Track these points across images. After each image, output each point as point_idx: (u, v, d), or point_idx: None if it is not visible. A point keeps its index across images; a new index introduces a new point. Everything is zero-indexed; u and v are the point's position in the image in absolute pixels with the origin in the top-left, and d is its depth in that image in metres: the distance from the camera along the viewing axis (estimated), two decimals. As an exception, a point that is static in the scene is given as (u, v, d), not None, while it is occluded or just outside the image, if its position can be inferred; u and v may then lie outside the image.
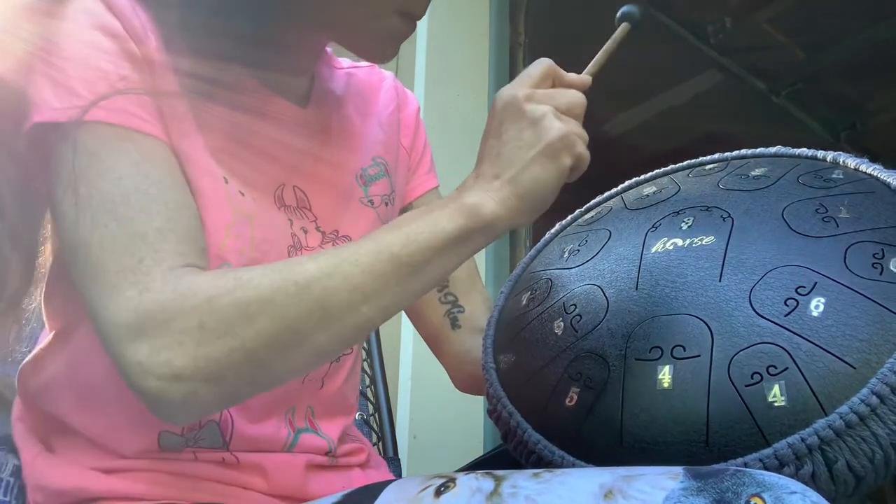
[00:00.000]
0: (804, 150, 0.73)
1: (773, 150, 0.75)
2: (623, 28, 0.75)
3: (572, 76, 0.69)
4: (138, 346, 0.56)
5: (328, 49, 0.85)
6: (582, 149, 0.64)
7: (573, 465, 0.60)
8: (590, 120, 0.67)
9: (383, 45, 0.73)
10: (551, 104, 0.64)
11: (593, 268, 0.71)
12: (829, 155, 0.71)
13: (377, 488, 0.60)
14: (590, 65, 0.73)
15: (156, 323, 0.56)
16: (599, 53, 0.74)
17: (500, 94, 0.66)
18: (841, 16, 2.83)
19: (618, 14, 0.75)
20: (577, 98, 0.66)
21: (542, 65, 0.67)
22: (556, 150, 0.62)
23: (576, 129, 0.64)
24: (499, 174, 0.63)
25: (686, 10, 2.91)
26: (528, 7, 2.22)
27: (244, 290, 0.57)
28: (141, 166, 0.62)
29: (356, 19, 0.71)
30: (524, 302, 0.74)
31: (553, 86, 0.67)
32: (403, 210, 0.90)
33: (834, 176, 0.68)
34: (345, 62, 0.89)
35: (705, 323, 0.60)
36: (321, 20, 0.72)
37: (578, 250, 0.74)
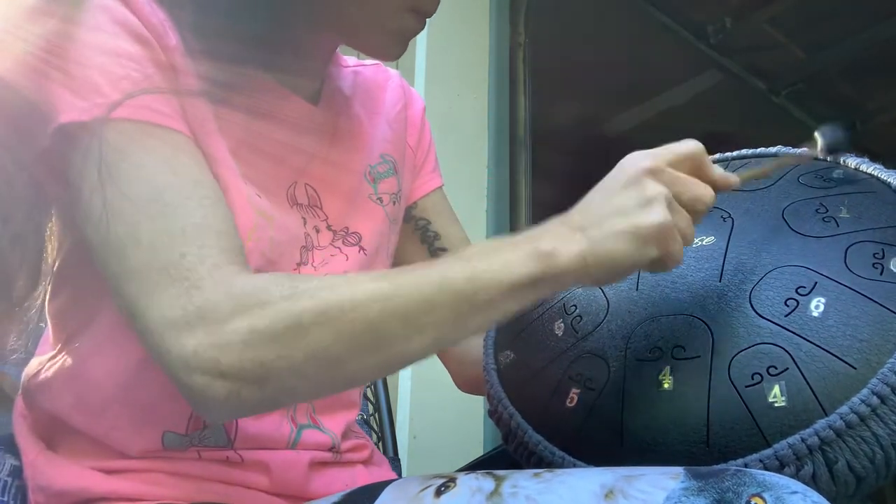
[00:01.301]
0: (804, 150, 0.73)
1: (773, 150, 0.75)
2: (810, 153, 0.69)
3: (718, 172, 0.63)
4: (185, 342, 0.55)
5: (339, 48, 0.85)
6: (677, 248, 0.58)
7: (574, 466, 0.60)
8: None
9: (394, 43, 0.73)
10: (673, 190, 0.59)
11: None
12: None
13: (377, 488, 0.60)
14: (747, 171, 0.67)
15: (205, 321, 0.55)
16: (768, 166, 0.69)
17: (633, 155, 0.61)
18: (841, 16, 2.83)
19: (824, 138, 0.68)
20: (705, 195, 0.60)
21: (690, 146, 0.62)
22: (647, 238, 0.57)
23: (683, 225, 0.59)
24: (584, 228, 0.59)
25: (686, 10, 2.91)
26: (528, 7, 2.22)
27: (300, 300, 0.56)
28: (171, 163, 0.62)
29: (370, 18, 0.71)
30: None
31: (693, 173, 0.62)
32: (408, 209, 0.90)
33: (834, 176, 0.68)
34: (350, 60, 0.89)
35: (705, 323, 0.60)
36: (334, 20, 0.72)
37: None
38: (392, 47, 0.74)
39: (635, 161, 0.60)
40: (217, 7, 0.69)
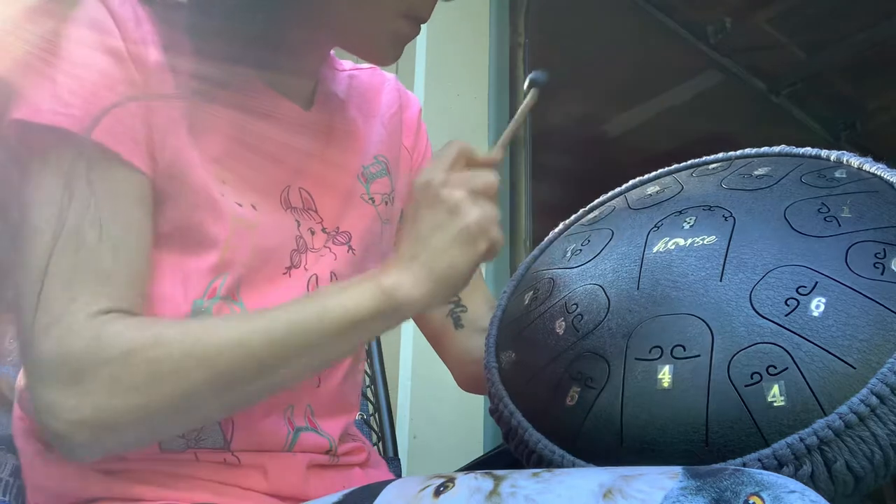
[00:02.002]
0: (808, 150, 0.73)
1: (776, 149, 0.75)
2: (533, 95, 0.76)
3: (483, 156, 0.68)
4: (50, 388, 0.59)
5: (331, 52, 0.85)
6: (496, 232, 0.64)
7: (573, 464, 0.60)
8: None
9: (388, 47, 0.73)
10: (466, 188, 0.64)
11: (595, 267, 0.71)
12: (833, 154, 0.71)
13: (377, 488, 0.60)
14: (502, 137, 0.74)
15: (70, 369, 0.59)
16: (512, 122, 0.75)
17: (417, 180, 0.66)
18: (841, 16, 2.83)
19: (526, 82, 0.76)
20: (489, 179, 0.66)
21: (454, 148, 0.67)
22: (472, 235, 0.63)
23: (490, 211, 0.64)
24: (416, 256, 0.64)
25: (686, 10, 2.92)
26: (528, 7, 2.23)
27: (159, 350, 0.60)
28: (104, 200, 0.64)
29: (362, 22, 0.71)
30: (526, 301, 0.74)
31: (466, 167, 0.67)
32: (405, 210, 0.90)
33: (837, 175, 0.68)
34: (347, 64, 0.89)
35: (706, 323, 0.60)
36: (327, 22, 0.72)
37: (581, 250, 0.74)
38: (386, 52, 0.74)
39: (423, 185, 0.65)
40: (211, 8, 0.69)
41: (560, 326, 0.68)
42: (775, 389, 0.54)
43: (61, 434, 0.59)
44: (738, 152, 0.77)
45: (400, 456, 1.18)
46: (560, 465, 0.61)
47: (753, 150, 0.76)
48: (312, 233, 0.76)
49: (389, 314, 0.63)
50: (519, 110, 0.76)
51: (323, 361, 0.68)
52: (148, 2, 0.69)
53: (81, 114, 0.63)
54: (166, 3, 0.69)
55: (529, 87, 0.75)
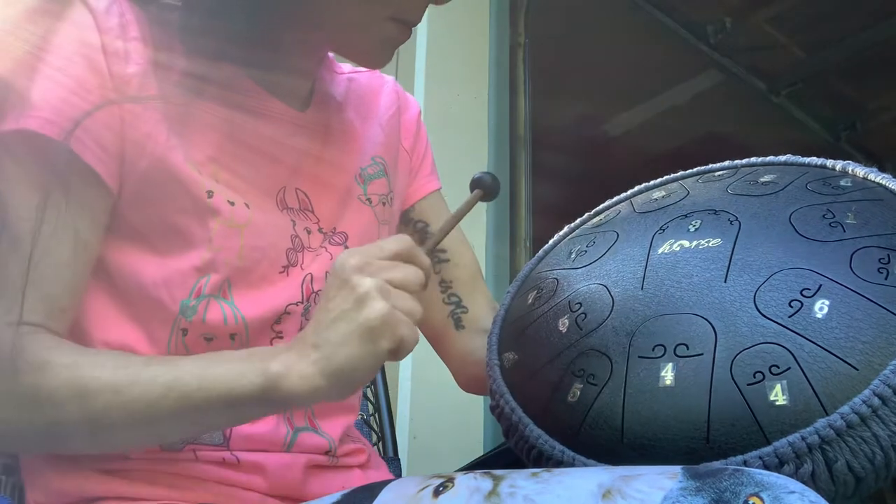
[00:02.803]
0: (813, 159, 0.74)
1: (782, 158, 0.76)
2: (475, 195, 0.74)
3: (420, 253, 0.65)
4: None
5: (330, 54, 0.85)
6: (406, 331, 0.59)
7: (574, 461, 0.61)
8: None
9: (377, 51, 0.73)
10: (383, 277, 0.60)
11: (600, 267, 0.71)
12: (839, 164, 0.71)
13: (376, 488, 0.60)
14: (436, 233, 0.74)
15: None
16: (448, 219, 0.74)
17: (341, 255, 0.62)
18: (841, 16, 2.84)
19: (471, 180, 0.75)
20: (414, 274, 0.62)
21: (397, 242, 0.63)
22: (374, 332, 0.58)
23: (403, 305, 0.60)
24: (317, 346, 0.59)
25: (686, 10, 2.92)
26: (528, 7, 2.23)
27: (42, 376, 0.61)
28: (57, 209, 0.65)
29: (350, 25, 0.71)
30: (530, 301, 0.75)
31: (398, 259, 0.63)
32: (405, 212, 0.91)
33: (842, 184, 0.68)
34: (346, 67, 0.89)
35: (709, 322, 0.60)
36: (316, 22, 0.72)
37: (586, 251, 0.75)
38: (376, 55, 0.74)
39: (342, 262, 0.61)
40: (203, 9, 0.70)
41: (563, 324, 0.68)
42: (777, 389, 0.55)
43: None
44: (744, 161, 0.78)
45: (400, 456, 1.18)
46: (560, 461, 0.61)
47: (759, 159, 0.77)
48: (309, 232, 0.76)
49: (270, 402, 0.61)
50: (456, 210, 0.74)
51: (200, 428, 0.66)
52: (141, 4, 0.69)
53: (53, 118, 0.64)
54: (160, 4, 0.69)
55: (473, 187, 0.74)
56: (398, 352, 0.60)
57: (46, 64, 0.65)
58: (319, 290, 0.76)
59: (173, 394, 0.60)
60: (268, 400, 0.60)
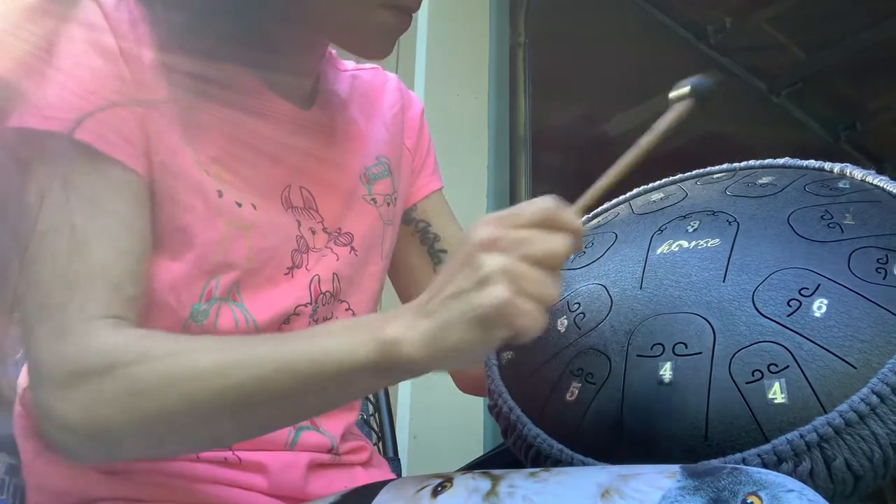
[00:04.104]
0: (811, 162, 0.74)
1: (780, 161, 0.76)
2: (684, 105, 0.63)
3: (569, 217, 0.56)
4: (43, 391, 0.59)
5: (332, 51, 0.85)
6: (525, 321, 0.52)
7: (572, 460, 0.61)
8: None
9: (376, 40, 0.72)
10: (517, 253, 0.53)
11: (598, 268, 0.72)
12: (836, 166, 0.72)
13: (374, 488, 0.60)
14: (607, 174, 0.62)
15: (60, 375, 0.58)
16: (646, 138, 0.63)
17: (476, 224, 0.56)
18: (841, 16, 2.84)
19: (684, 88, 0.63)
20: (557, 245, 0.54)
21: (541, 208, 0.55)
22: (489, 320, 0.52)
23: (534, 289, 0.52)
24: (431, 313, 0.55)
25: (686, 10, 2.92)
26: (528, 7, 2.23)
27: (142, 367, 0.58)
28: (94, 201, 0.64)
29: (344, 15, 0.71)
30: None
31: (540, 228, 0.55)
32: (407, 211, 0.91)
33: (840, 185, 0.69)
34: (349, 64, 0.89)
35: (708, 321, 0.60)
36: (311, 17, 0.72)
37: (584, 252, 0.75)
38: (375, 45, 0.73)
39: (472, 233, 0.55)
40: (201, 6, 0.69)
41: (562, 324, 0.68)
42: (776, 387, 0.55)
43: (53, 436, 0.59)
44: (742, 163, 0.78)
45: (400, 456, 1.18)
46: (559, 460, 0.61)
47: (757, 162, 0.77)
48: (313, 232, 0.76)
49: (383, 372, 0.56)
50: (655, 126, 0.63)
51: (318, 406, 0.63)
52: (145, 3, 0.69)
53: (72, 115, 0.63)
54: (164, 3, 0.69)
55: (684, 96, 0.63)
56: (518, 338, 0.54)
57: (60, 61, 0.64)
58: (327, 291, 0.76)
59: (283, 371, 0.56)
60: (381, 370, 0.56)
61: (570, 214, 0.56)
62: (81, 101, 0.64)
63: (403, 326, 0.55)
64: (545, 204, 0.55)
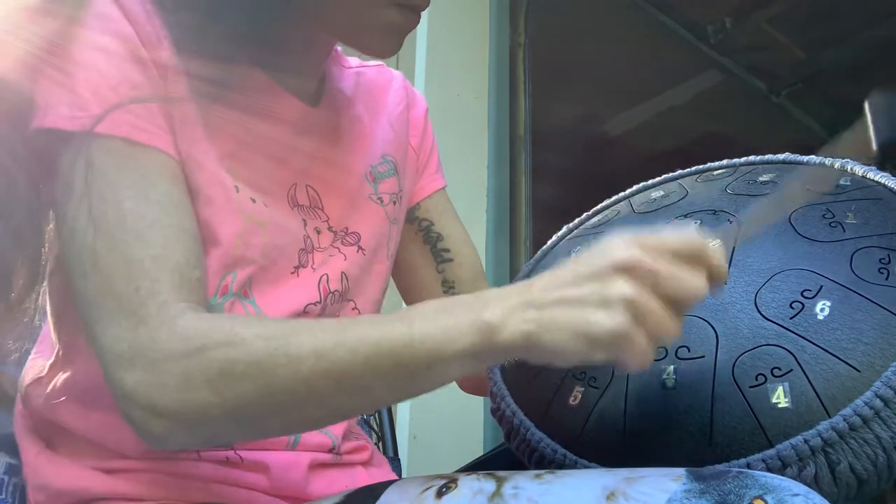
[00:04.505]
0: (812, 158, 0.73)
1: (781, 157, 0.75)
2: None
3: (718, 261, 0.53)
4: (127, 377, 0.57)
5: (338, 48, 0.85)
6: (634, 355, 0.51)
7: (575, 464, 0.61)
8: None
9: (383, 39, 0.72)
10: (652, 282, 0.51)
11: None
12: (837, 162, 0.71)
13: (378, 489, 0.60)
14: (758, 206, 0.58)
15: (146, 360, 0.57)
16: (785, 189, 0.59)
17: (616, 239, 0.54)
18: (841, 16, 2.84)
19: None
20: (693, 285, 0.52)
21: (688, 239, 0.53)
22: (596, 340, 0.51)
23: (655, 327, 0.51)
24: (539, 306, 0.53)
25: (686, 10, 2.92)
26: (528, 7, 2.23)
27: (235, 349, 0.56)
28: (141, 186, 0.62)
29: (352, 13, 0.70)
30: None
31: (689, 263, 0.53)
32: (411, 210, 0.91)
33: (842, 182, 0.68)
34: (354, 61, 0.89)
35: (710, 324, 0.60)
36: (319, 16, 0.72)
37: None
38: (382, 43, 0.72)
39: (612, 248, 0.53)
40: (211, 7, 0.69)
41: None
42: (780, 391, 0.55)
43: (140, 422, 0.57)
44: (743, 159, 0.77)
45: (400, 456, 1.18)
46: (562, 464, 0.61)
47: (758, 158, 0.77)
48: (318, 232, 0.76)
49: (490, 353, 0.54)
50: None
51: (416, 390, 0.59)
52: (156, 1, 0.69)
53: (105, 109, 0.62)
54: (176, 3, 0.69)
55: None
56: (621, 364, 0.52)
57: (82, 59, 0.64)
58: (336, 291, 0.76)
59: (382, 353, 0.55)
60: (479, 356, 0.54)
61: (717, 253, 0.54)
62: (111, 97, 0.63)
63: (505, 311, 0.54)
64: (694, 237, 0.53)
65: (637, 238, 0.53)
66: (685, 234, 0.53)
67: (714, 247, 0.53)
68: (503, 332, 0.53)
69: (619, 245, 0.53)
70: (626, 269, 0.52)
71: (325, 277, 0.75)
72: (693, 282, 0.52)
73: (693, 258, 0.53)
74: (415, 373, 0.56)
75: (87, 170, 0.62)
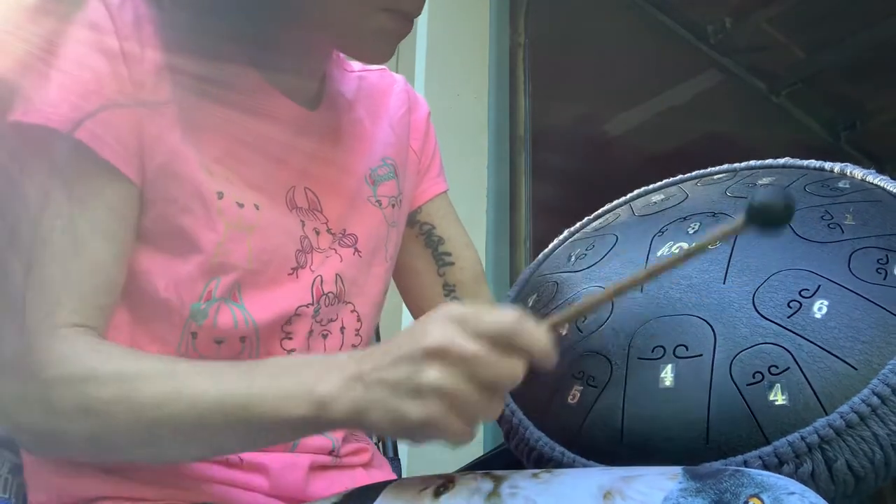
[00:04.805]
0: (812, 162, 0.74)
1: (781, 161, 0.76)
2: (738, 223, 0.51)
3: (538, 341, 0.52)
4: (5, 385, 0.61)
5: (340, 53, 0.85)
6: (450, 438, 0.51)
7: (574, 462, 0.61)
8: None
9: (374, 44, 0.72)
10: (462, 373, 0.50)
11: (599, 270, 0.72)
12: (837, 166, 0.72)
13: (376, 489, 0.60)
14: (610, 287, 0.55)
15: (21, 374, 0.61)
16: (667, 260, 0.54)
17: (433, 318, 0.53)
18: (841, 16, 2.83)
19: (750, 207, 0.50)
20: (508, 371, 0.51)
21: (506, 320, 0.51)
22: (409, 428, 0.51)
23: (467, 413, 0.50)
24: (366, 387, 0.53)
25: (686, 10, 2.91)
26: (528, 7, 2.22)
27: (89, 386, 0.59)
28: (83, 205, 0.64)
29: (342, 18, 0.70)
30: (530, 304, 0.75)
31: (506, 346, 0.51)
32: (412, 214, 0.91)
33: (840, 185, 0.69)
34: (356, 66, 0.89)
35: (708, 323, 0.60)
36: (314, 21, 0.72)
37: (585, 254, 0.75)
38: (374, 49, 0.72)
39: (427, 330, 0.52)
40: (206, 6, 0.70)
41: (564, 327, 0.68)
42: (777, 389, 0.55)
43: (10, 430, 0.62)
44: (743, 164, 0.78)
45: (400, 456, 1.18)
46: (560, 463, 0.61)
47: (757, 162, 0.77)
48: (318, 233, 0.76)
49: (321, 423, 0.56)
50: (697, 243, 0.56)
51: (254, 443, 0.63)
52: (152, 2, 0.69)
53: (70, 114, 0.63)
54: (172, 2, 0.69)
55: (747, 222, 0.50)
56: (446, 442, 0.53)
57: (63, 60, 0.65)
58: (330, 292, 0.76)
59: (219, 411, 0.57)
60: (314, 423, 0.56)
61: (537, 334, 0.52)
62: (81, 100, 0.64)
63: (336, 387, 0.54)
64: (511, 319, 0.52)
65: (456, 317, 0.52)
66: (507, 315, 0.52)
67: (536, 327, 0.52)
68: (334, 407, 0.54)
69: (435, 327, 0.52)
70: (438, 355, 0.51)
71: (319, 279, 0.75)
72: (508, 367, 0.51)
73: (510, 341, 0.51)
74: (252, 431, 0.58)
75: (43, 171, 0.64)
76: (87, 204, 0.65)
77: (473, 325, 0.51)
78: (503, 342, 0.51)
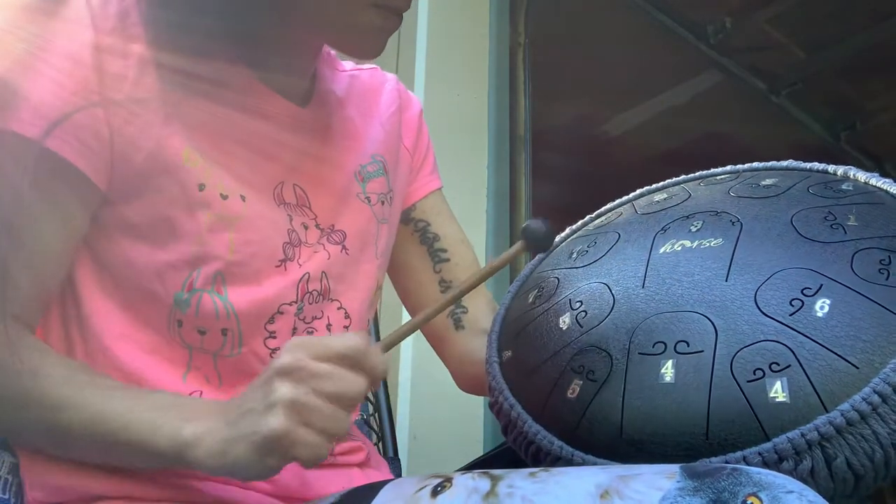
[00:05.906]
0: (815, 164, 0.74)
1: (784, 163, 0.77)
2: (519, 246, 0.68)
3: (375, 362, 0.58)
4: None
5: (331, 52, 0.85)
6: (303, 452, 0.55)
7: (572, 457, 0.61)
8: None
9: (364, 40, 0.72)
10: (311, 386, 0.55)
11: (601, 267, 0.72)
12: (840, 169, 0.72)
13: (374, 488, 0.60)
14: (454, 289, 0.67)
15: None
16: (476, 273, 0.68)
17: (286, 345, 0.57)
18: (841, 16, 2.84)
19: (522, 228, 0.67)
20: (352, 386, 0.56)
21: (349, 342, 0.57)
22: (263, 448, 0.55)
23: (318, 424, 0.55)
24: (229, 425, 0.58)
25: (686, 10, 2.92)
26: (528, 7, 2.23)
27: (37, 385, 0.63)
28: (42, 205, 0.66)
29: (331, 14, 0.71)
30: (531, 299, 0.75)
31: (351, 366, 0.57)
32: (406, 211, 0.91)
33: (844, 187, 0.69)
34: (348, 65, 0.89)
35: (710, 320, 0.60)
36: (303, 17, 0.72)
37: (587, 251, 0.75)
38: (363, 45, 0.73)
39: (278, 357, 0.57)
40: (195, 3, 0.70)
41: (564, 322, 0.69)
42: (778, 386, 0.55)
43: None
44: (746, 166, 0.79)
45: (400, 456, 1.18)
46: (559, 457, 0.61)
47: (761, 164, 0.78)
48: (306, 227, 0.77)
49: (186, 463, 0.60)
50: (489, 263, 0.68)
51: (118, 461, 0.66)
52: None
53: (32, 118, 0.64)
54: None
55: (522, 235, 0.67)
56: (302, 465, 0.57)
57: (36, 62, 0.65)
58: (315, 290, 0.76)
59: (98, 424, 0.62)
60: (178, 460, 0.60)
61: (375, 357, 0.58)
62: (55, 101, 0.64)
63: (202, 429, 0.59)
64: (354, 342, 0.57)
65: (304, 343, 0.57)
66: (348, 338, 0.57)
67: (373, 349, 0.58)
68: (196, 450, 0.59)
69: (285, 352, 0.56)
70: (286, 373, 0.56)
71: (306, 276, 0.75)
72: (352, 382, 0.56)
73: (352, 362, 0.57)
74: (130, 452, 0.63)
75: (10, 167, 0.65)
76: (44, 204, 0.66)
77: (321, 348, 0.57)
78: (347, 362, 0.57)
